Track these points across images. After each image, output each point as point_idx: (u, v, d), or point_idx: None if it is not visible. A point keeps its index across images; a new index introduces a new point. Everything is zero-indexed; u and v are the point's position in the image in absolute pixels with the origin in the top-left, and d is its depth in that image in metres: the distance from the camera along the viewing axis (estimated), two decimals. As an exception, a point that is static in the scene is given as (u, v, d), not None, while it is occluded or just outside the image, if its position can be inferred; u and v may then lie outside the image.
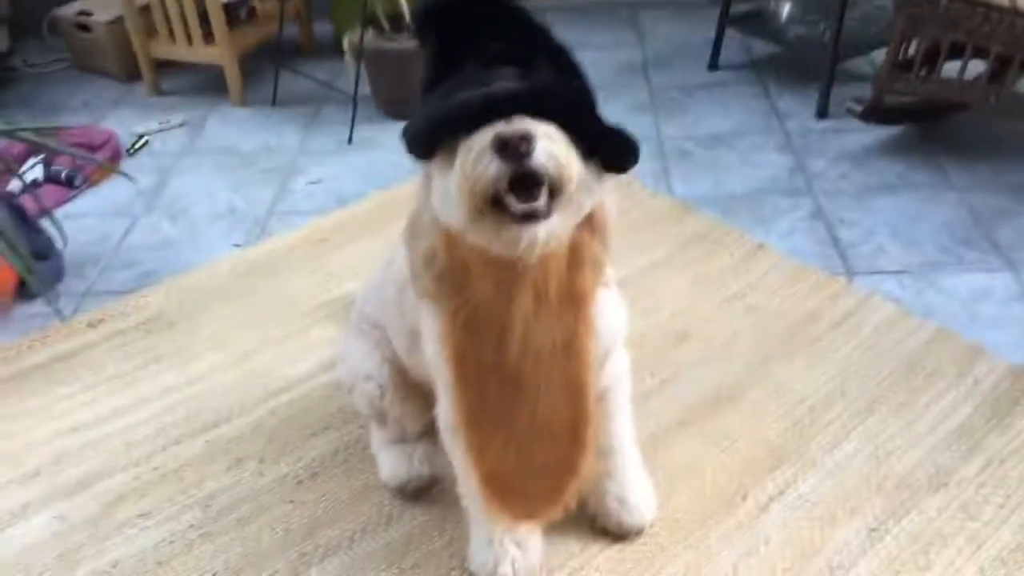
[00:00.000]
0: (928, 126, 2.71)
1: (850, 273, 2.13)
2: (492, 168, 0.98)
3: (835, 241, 2.25)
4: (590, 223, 1.15)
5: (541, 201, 1.01)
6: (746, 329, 1.95)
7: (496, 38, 1.06)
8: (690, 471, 1.62)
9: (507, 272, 1.10)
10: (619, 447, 1.45)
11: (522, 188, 1.00)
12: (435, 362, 1.27)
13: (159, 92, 3.28)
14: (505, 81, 1.01)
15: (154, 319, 2.10)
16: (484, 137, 0.98)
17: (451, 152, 1.02)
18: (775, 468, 1.62)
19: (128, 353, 2.00)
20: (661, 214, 2.37)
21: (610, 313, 1.29)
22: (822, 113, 2.82)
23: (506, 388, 1.20)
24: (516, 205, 1.00)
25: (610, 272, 1.25)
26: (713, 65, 3.18)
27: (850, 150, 2.64)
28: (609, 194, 1.16)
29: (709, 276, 2.13)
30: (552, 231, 1.03)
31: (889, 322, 1.94)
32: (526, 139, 0.97)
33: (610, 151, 1.09)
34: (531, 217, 1.01)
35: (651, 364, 1.86)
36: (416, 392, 1.56)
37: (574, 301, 1.17)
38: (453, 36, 1.07)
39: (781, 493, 1.57)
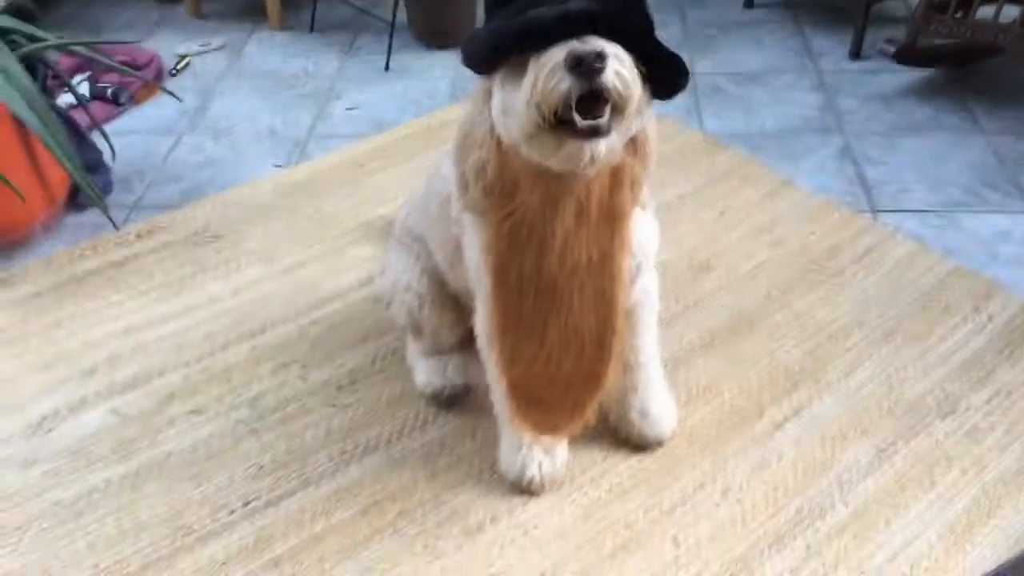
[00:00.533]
0: (960, 70, 2.73)
1: (874, 211, 2.18)
2: (565, 83, 1.03)
3: (862, 179, 2.30)
4: (634, 145, 1.21)
5: (605, 118, 1.07)
6: (769, 261, 2.02)
7: None
8: (710, 390, 1.70)
9: (554, 187, 1.17)
10: (644, 362, 1.53)
11: (588, 105, 1.05)
12: (476, 272, 1.35)
13: (199, 15, 3.33)
14: (576, 2, 1.06)
15: (200, 232, 2.19)
16: (559, 53, 1.03)
17: (517, 67, 1.08)
18: (791, 390, 1.70)
19: (176, 263, 2.09)
20: (691, 148, 2.42)
21: (644, 232, 1.36)
22: (855, 54, 2.83)
23: (542, 298, 1.28)
24: (581, 121, 1.06)
25: (647, 193, 1.32)
26: (748, 3, 3.19)
27: (881, 91, 2.66)
28: (652, 120, 1.23)
29: (735, 210, 2.19)
30: (611, 146, 1.09)
31: (909, 258, 2.00)
32: (600, 57, 1.02)
33: (665, 76, 1.15)
34: (595, 132, 1.07)
35: (676, 291, 1.93)
36: (453, 304, 1.64)
37: (612, 218, 1.24)
38: None
39: (796, 413, 1.65)
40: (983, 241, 2.07)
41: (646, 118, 1.20)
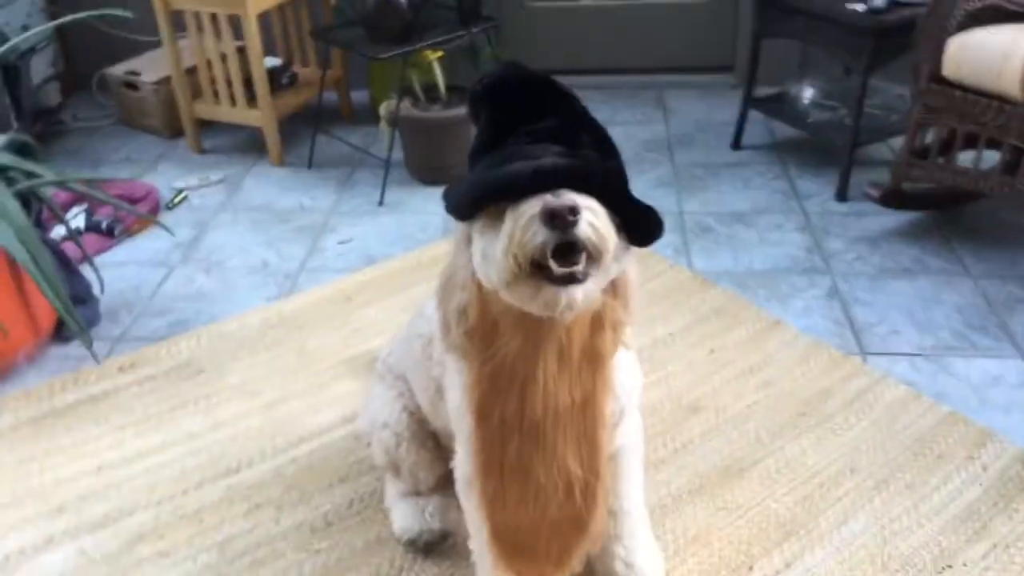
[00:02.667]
0: (945, 213, 2.77)
1: (864, 353, 2.17)
2: (540, 236, 1.05)
3: (850, 321, 2.29)
4: (614, 289, 1.22)
5: (580, 266, 1.07)
6: (759, 403, 1.99)
7: (546, 117, 1.14)
8: (698, 540, 1.65)
9: (535, 331, 1.17)
10: (629, 509, 1.49)
11: (563, 254, 1.06)
12: (457, 414, 1.32)
13: (200, 150, 3.41)
14: (552, 156, 1.09)
15: (184, 366, 2.17)
16: (534, 206, 1.05)
17: (494, 216, 1.09)
18: (782, 541, 1.64)
19: (157, 398, 2.07)
20: (679, 287, 2.43)
21: (627, 374, 1.35)
22: (841, 196, 2.88)
23: (525, 442, 1.25)
24: (558, 269, 1.07)
25: (630, 335, 1.31)
26: (736, 145, 3.27)
27: (867, 233, 2.70)
28: (632, 263, 1.23)
29: (725, 349, 2.17)
30: (588, 293, 1.09)
31: (901, 403, 1.97)
32: (573, 211, 1.04)
33: (639, 226, 1.17)
34: (571, 280, 1.07)
35: (664, 433, 1.90)
36: (432, 443, 1.61)
37: (594, 361, 1.23)
38: (505, 111, 1.16)
39: (787, 566, 1.59)
40: (974, 386, 2.05)
41: (626, 262, 1.20)
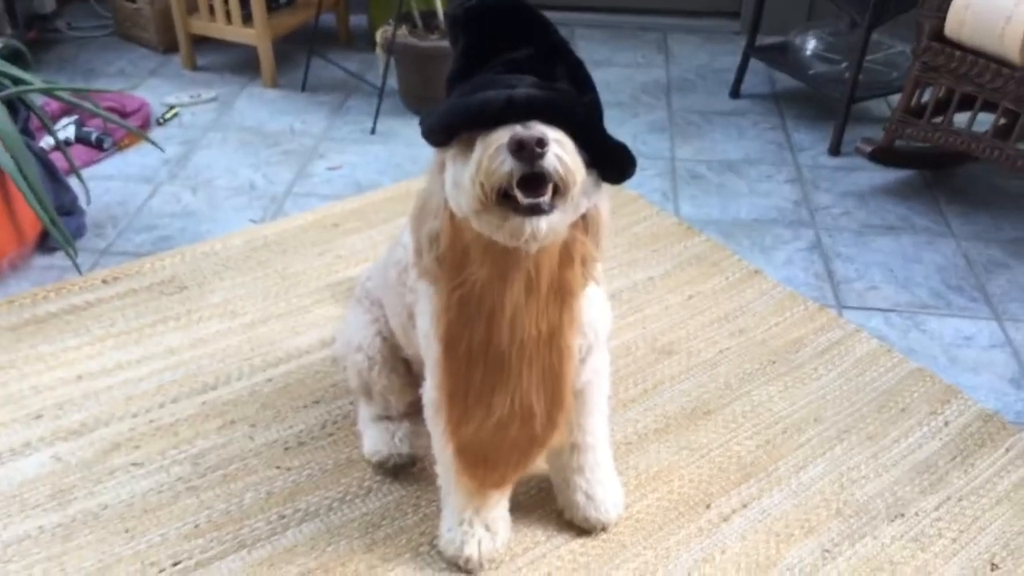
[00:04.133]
0: (935, 173, 2.77)
1: (840, 306, 2.19)
2: (507, 165, 1.06)
3: (830, 274, 2.31)
4: (584, 223, 1.23)
5: (546, 197, 1.09)
6: (731, 350, 2.02)
7: (522, 45, 1.15)
8: (659, 477, 1.69)
9: (503, 260, 1.19)
10: (592, 443, 1.52)
11: (530, 184, 1.08)
12: (426, 340, 1.35)
13: (194, 67, 3.38)
14: (526, 87, 1.10)
15: (166, 282, 2.19)
16: (502, 135, 1.06)
17: (467, 144, 1.10)
18: (741, 482, 1.68)
19: (138, 312, 2.09)
20: (664, 232, 2.44)
21: (595, 310, 1.37)
22: (834, 150, 2.88)
23: (490, 370, 1.28)
24: (523, 198, 1.08)
25: (600, 271, 1.32)
26: (735, 93, 3.25)
27: (857, 188, 2.70)
28: (604, 199, 1.24)
29: (702, 296, 2.19)
30: (553, 225, 1.11)
31: (870, 357, 2.00)
32: (540, 143, 1.05)
33: (610, 163, 1.18)
34: (536, 210, 1.09)
35: (635, 374, 1.93)
36: (404, 369, 1.64)
37: (562, 295, 1.25)
38: (483, 38, 1.16)
39: (744, 506, 1.63)
40: (945, 345, 2.08)
41: (597, 198, 1.21)
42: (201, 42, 3.40)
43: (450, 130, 1.15)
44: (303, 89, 3.23)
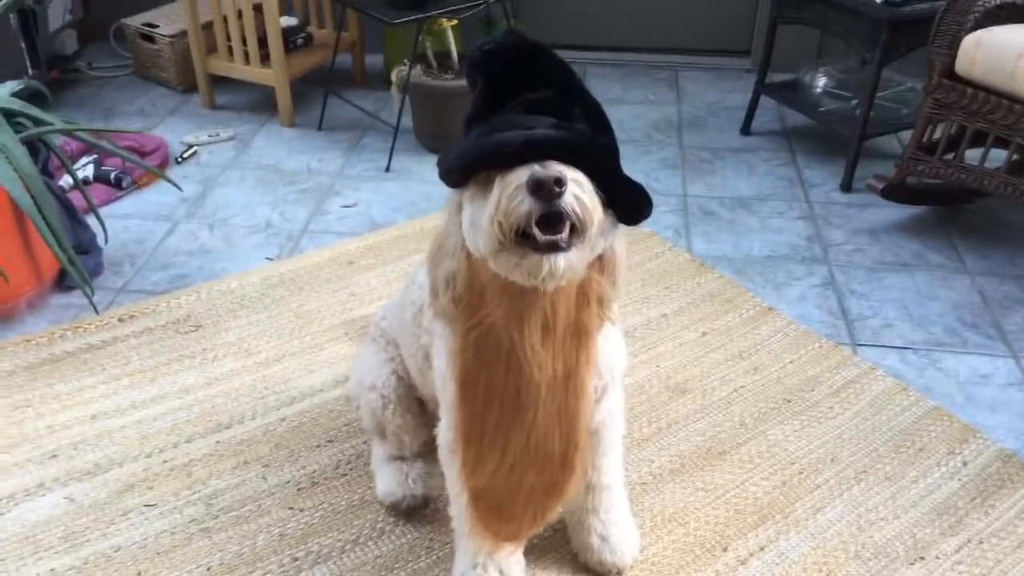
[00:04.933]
0: (948, 209, 2.77)
1: (855, 344, 2.18)
2: (525, 204, 1.07)
3: (844, 312, 2.30)
4: (601, 264, 1.24)
5: (564, 235, 1.10)
6: (746, 388, 2.01)
7: (541, 87, 1.17)
8: (675, 519, 1.67)
9: (520, 300, 1.19)
10: (607, 484, 1.52)
11: (548, 223, 1.09)
12: (442, 381, 1.35)
13: (213, 106, 3.42)
14: (544, 127, 1.11)
15: (182, 320, 2.20)
16: (521, 175, 1.07)
17: (485, 185, 1.11)
18: (758, 524, 1.67)
19: (154, 350, 2.10)
20: (677, 269, 2.44)
21: (611, 350, 1.37)
22: (846, 187, 2.88)
23: (506, 411, 1.28)
24: (541, 236, 1.09)
25: (616, 311, 1.33)
26: (745, 130, 3.26)
27: (869, 225, 2.70)
28: (620, 239, 1.25)
29: (716, 333, 2.19)
30: (570, 263, 1.11)
31: (887, 395, 1.99)
32: (559, 182, 1.06)
33: (627, 203, 1.19)
34: (554, 248, 1.09)
35: (649, 412, 1.92)
36: (418, 408, 1.64)
37: (578, 335, 1.25)
38: (501, 80, 1.18)
39: (761, 549, 1.62)
40: (961, 383, 2.06)
41: (613, 238, 1.22)
42: (220, 82, 3.45)
43: (468, 170, 1.16)
44: (320, 128, 3.27)
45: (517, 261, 1.12)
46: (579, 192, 1.09)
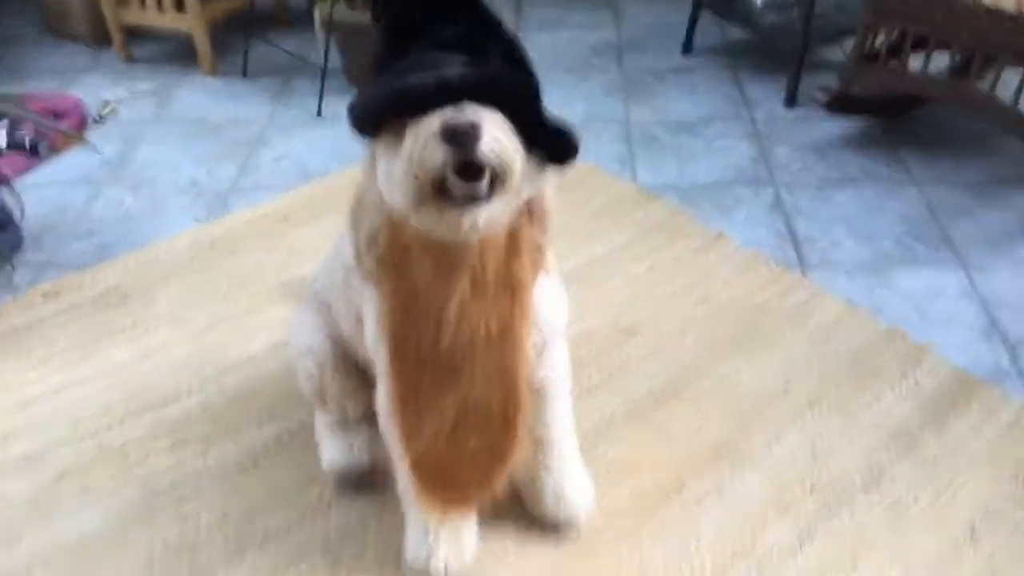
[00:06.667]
0: (893, 119, 2.72)
1: (804, 266, 2.15)
2: (439, 154, 0.99)
3: (792, 233, 2.26)
4: (529, 211, 1.17)
5: (483, 185, 1.02)
6: (696, 321, 1.97)
7: (452, 23, 1.07)
8: (630, 465, 1.64)
9: (446, 256, 1.13)
10: (556, 439, 1.47)
11: (466, 173, 1.01)
12: (374, 344, 1.29)
13: (129, 59, 3.25)
14: (457, 67, 1.02)
15: (110, 293, 2.10)
16: (432, 123, 0.99)
17: (397, 133, 1.03)
18: (713, 463, 1.64)
19: (82, 327, 2.00)
20: (622, 201, 2.38)
21: (549, 303, 1.31)
22: (790, 101, 2.82)
23: (440, 373, 1.22)
24: (459, 188, 1.02)
25: (551, 260, 1.26)
26: (687, 49, 3.17)
27: (815, 140, 2.64)
28: (549, 183, 1.18)
29: (664, 265, 2.14)
30: (492, 215, 1.05)
31: (837, 318, 1.96)
32: (474, 128, 0.98)
33: (552, 145, 1.11)
34: (472, 200, 1.02)
35: (599, 358, 1.87)
36: (358, 372, 1.58)
37: (511, 288, 1.19)
38: (406, 14, 1.08)
39: (717, 489, 1.59)
40: (914, 299, 2.04)
41: (541, 183, 1.15)
42: (136, 33, 3.27)
43: (376, 119, 1.07)
44: (244, 75, 3.12)
45: (436, 216, 1.05)
46: (498, 137, 1.01)
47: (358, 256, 1.21)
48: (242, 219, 2.36)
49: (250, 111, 2.91)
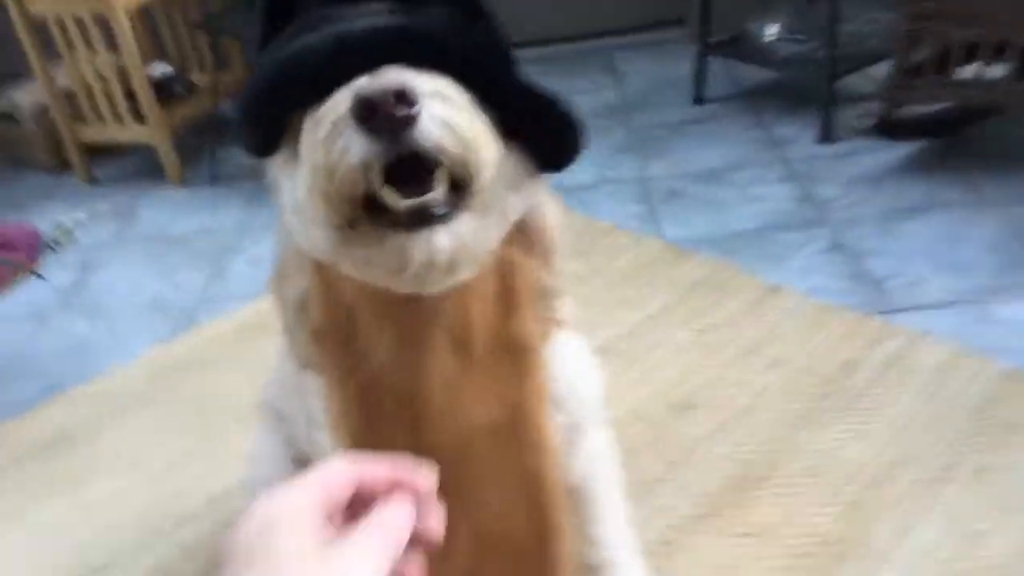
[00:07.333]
0: (950, 138, 2.37)
1: (887, 311, 1.76)
2: (355, 148, 0.62)
3: (863, 275, 1.89)
4: (525, 238, 0.80)
5: (437, 192, 0.65)
6: (768, 390, 1.57)
7: None
8: (720, 582, 1.23)
9: (409, 316, 0.75)
10: (614, 559, 1.06)
11: (404, 175, 0.64)
12: (332, 455, 0.89)
13: (91, 180, 2.96)
14: (374, 17, 0.66)
15: (57, 438, 1.73)
16: (338, 102, 0.63)
17: (297, 137, 0.67)
18: (833, 568, 1.22)
19: (19, 482, 1.62)
20: (651, 261, 2.01)
21: (573, 368, 0.91)
22: (825, 137, 2.48)
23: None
24: (399, 200, 0.64)
25: (566, 308, 0.88)
26: (699, 99, 2.86)
27: (863, 173, 2.29)
28: (546, 196, 0.82)
29: (716, 329, 1.76)
30: (461, 239, 0.67)
31: (946, 364, 1.57)
32: (404, 97, 0.61)
33: (541, 128, 0.73)
34: (423, 218, 0.65)
35: (654, 444, 1.47)
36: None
37: (514, 354, 0.81)
38: None
39: (845, 603, 1.18)
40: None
41: (534, 193, 0.78)
42: (98, 152, 3.00)
43: (260, 117, 0.71)
44: (212, 183, 2.81)
45: (372, 251, 0.67)
46: (445, 111, 0.63)
47: (289, 335, 0.86)
48: (209, 332, 2.00)
49: (219, 219, 2.59)
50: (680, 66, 3.10)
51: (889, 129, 2.30)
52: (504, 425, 0.80)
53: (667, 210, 2.26)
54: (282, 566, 0.43)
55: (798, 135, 2.55)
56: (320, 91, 0.63)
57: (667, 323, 1.79)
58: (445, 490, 0.79)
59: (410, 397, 0.77)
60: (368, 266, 0.68)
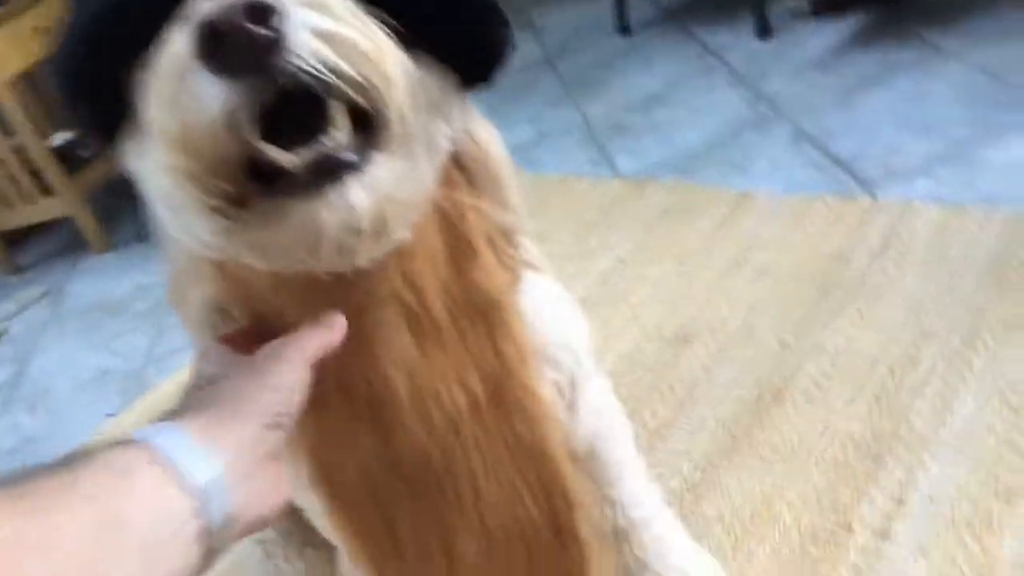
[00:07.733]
0: (890, 5, 2.23)
1: (869, 188, 1.62)
2: (209, 97, 0.46)
3: (833, 159, 1.74)
4: (465, 174, 0.65)
5: (337, 134, 0.49)
6: (763, 302, 1.42)
7: None
8: (757, 516, 1.07)
9: (344, 301, 0.60)
10: (643, 517, 0.90)
11: (291, 122, 0.48)
12: (297, 483, 0.74)
13: (16, 269, 2.79)
14: None
15: None
16: (175, 39, 0.47)
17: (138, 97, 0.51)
18: (876, 471, 1.07)
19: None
20: (611, 201, 1.86)
21: (554, 315, 0.76)
22: (763, 33, 2.34)
23: (416, 494, 0.68)
24: (288, 156, 0.49)
25: (530, 247, 0.72)
26: (624, 29, 2.71)
27: (810, 57, 2.16)
28: (479, 121, 0.66)
29: (693, 253, 1.61)
30: (382, 189, 0.51)
31: (944, 228, 1.42)
32: (258, 12, 0.45)
33: (447, 24, 0.57)
34: (327, 171, 0.50)
35: (655, 386, 1.32)
36: (320, 537, 1.02)
37: (482, 313, 0.66)
38: None
39: (899, 504, 1.02)
40: (1017, 168, 1.50)
41: (462, 119, 0.63)
42: (17, 239, 2.84)
43: (86, 80, 0.55)
44: (141, 240, 2.65)
45: (268, 231, 0.51)
46: (324, 22, 0.48)
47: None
48: (162, 392, 1.84)
49: (153, 275, 2.42)
50: (600, 4, 2.95)
51: (828, 7, 2.15)
52: (488, 399, 0.65)
53: (616, 146, 2.11)
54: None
55: (735, 39, 2.40)
56: (152, 30, 0.48)
57: (642, 260, 1.64)
58: (433, 490, 0.65)
59: (368, 396, 0.62)
60: (273, 250, 0.52)
